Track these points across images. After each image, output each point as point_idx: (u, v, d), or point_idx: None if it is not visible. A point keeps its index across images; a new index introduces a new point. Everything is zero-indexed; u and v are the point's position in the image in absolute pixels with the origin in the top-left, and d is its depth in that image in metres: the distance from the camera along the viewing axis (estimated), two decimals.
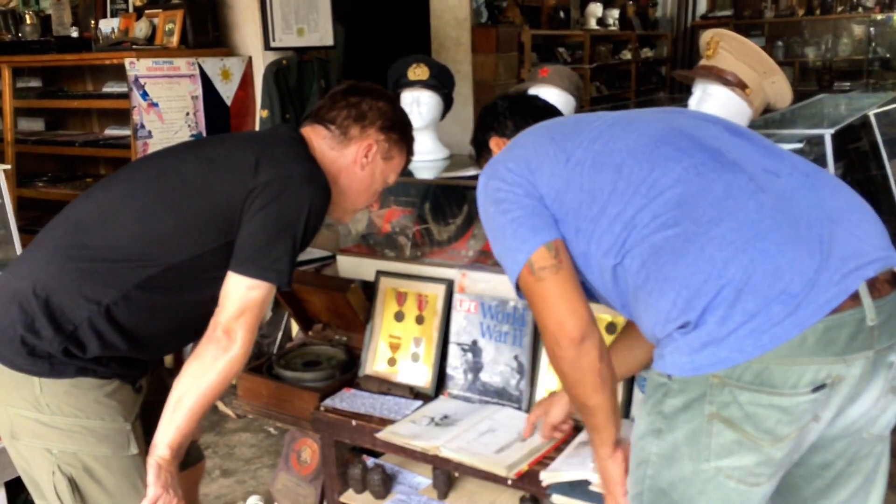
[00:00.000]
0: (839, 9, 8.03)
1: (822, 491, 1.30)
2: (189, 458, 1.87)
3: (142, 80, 3.62)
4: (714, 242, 1.17)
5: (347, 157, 1.69)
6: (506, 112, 1.75)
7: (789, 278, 1.12)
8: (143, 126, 3.64)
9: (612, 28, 7.83)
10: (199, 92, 3.84)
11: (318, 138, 1.69)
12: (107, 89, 4.17)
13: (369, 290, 2.29)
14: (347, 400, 2.10)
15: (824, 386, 1.13)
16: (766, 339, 1.11)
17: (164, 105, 3.71)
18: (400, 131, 1.74)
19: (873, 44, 8.00)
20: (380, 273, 2.27)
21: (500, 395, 2.03)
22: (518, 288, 1.40)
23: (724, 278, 1.15)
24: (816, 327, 1.11)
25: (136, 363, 1.60)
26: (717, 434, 1.17)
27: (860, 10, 7.98)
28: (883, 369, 1.17)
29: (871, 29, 8.01)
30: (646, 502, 1.30)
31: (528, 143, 1.45)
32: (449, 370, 2.11)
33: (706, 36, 2.21)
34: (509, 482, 1.75)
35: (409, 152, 1.80)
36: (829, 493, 1.30)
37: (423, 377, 2.14)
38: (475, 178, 2.26)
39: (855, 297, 1.12)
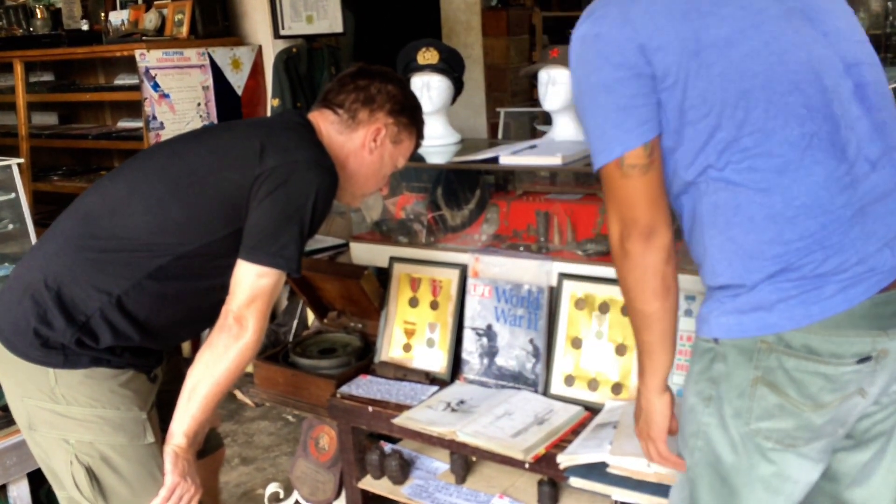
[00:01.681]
0: None
1: (847, 450, 1.33)
2: (209, 446, 1.89)
3: (152, 72, 3.62)
4: (796, 230, 1.17)
5: (356, 141, 1.67)
6: None
7: (853, 270, 1.17)
8: (154, 117, 3.65)
9: None
10: (210, 82, 3.83)
11: (326, 123, 1.68)
12: (118, 81, 4.17)
13: (383, 276, 2.29)
14: (363, 386, 2.10)
15: (869, 358, 1.17)
16: (815, 310, 1.16)
17: (176, 96, 3.71)
18: (409, 115, 1.73)
19: (891, 17, 7.87)
20: (393, 259, 2.26)
21: (516, 379, 2.02)
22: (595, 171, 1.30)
23: (794, 265, 1.17)
24: (864, 304, 1.16)
25: (150, 353, 1.60)
26: (760, 398, 1.21)
27: None
28: None
29: (889, 3, 7.87)
30: (698, 475, 1.30)
31: (653, 10, 1.22)
32: (464, 355, 2.10)
33: None
34: (526, 465, 1.75)
35: (419, 136, 1.78)
36: (854, 452, 1.34)
37: (438, 362, 2.14)
38: (487, 161, 2.26)
39: None
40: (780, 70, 1.20)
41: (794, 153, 1.18)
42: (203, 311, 1.61)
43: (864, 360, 1.17)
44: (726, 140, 1.19)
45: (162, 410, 1.62)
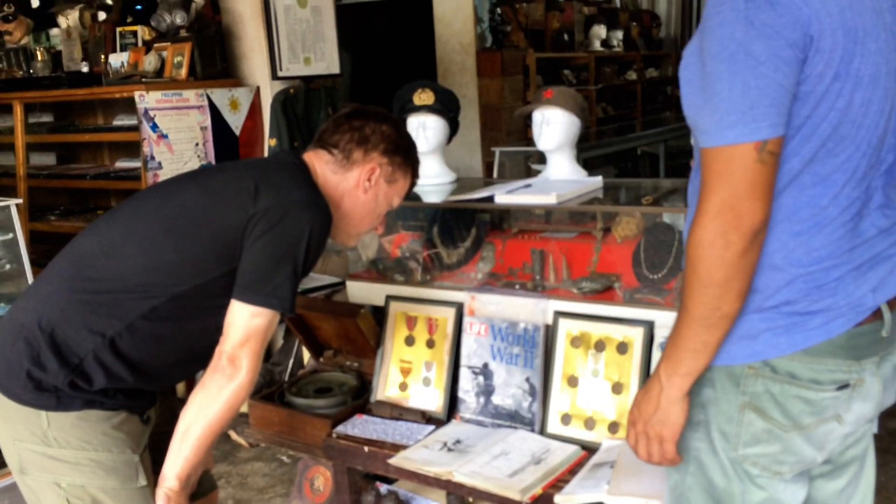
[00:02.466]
0: None
1: (825, 476, 1.37)
2: (202, 489, 1.86)
3: (151, 113, 3.66)
4: (806, 277, 1.19)
5: (350, 181, 1.69)
6: None
7: (839, 309, 1.20)
8: (153, 158, 3.68)
9: (617, 49, 7.87)
10: (208, 122, 3.88)
11: (321, 163, 1.69)
12: (117, 122, 4.21)
13: (379, 315, 2.29)
14: (359, 426, 2.09)
15: (847, 386, 1.22)
16: (798, 339, 1.20)
17: (174, 136, 3.75)
18: (404, 154, 1.74)
19: None
20: (389, 297, 2.27)
21: (513, 418, 2.01)
22: (697, 141, 1.17)
23: (789, 301, 1.19)
24: (842, 335, 1.20)
25: (144, 394, 1.60)
26: (747, 423, 1.23)
27: None
28: (885, 368, 1.28)
29: None
30: (691, 501, 1.31)
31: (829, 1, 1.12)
32: (460, 394, 2.10)
33: None
34: None
35: (413, 175, 1.79)
36: (831, 479, 1.38)
37: (434, 401, 2.13)
38: (483, 200, 2.28)
39: (877, 313, 1.22)
40: (873, 131, 1.18)
41: (835, 212, 1.18)
42: (197, 352, 1.60)
43: (843, 387, 1.22)
44: (793, 173, 1.16)
45: (155, 452, 1.61)
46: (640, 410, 1.29)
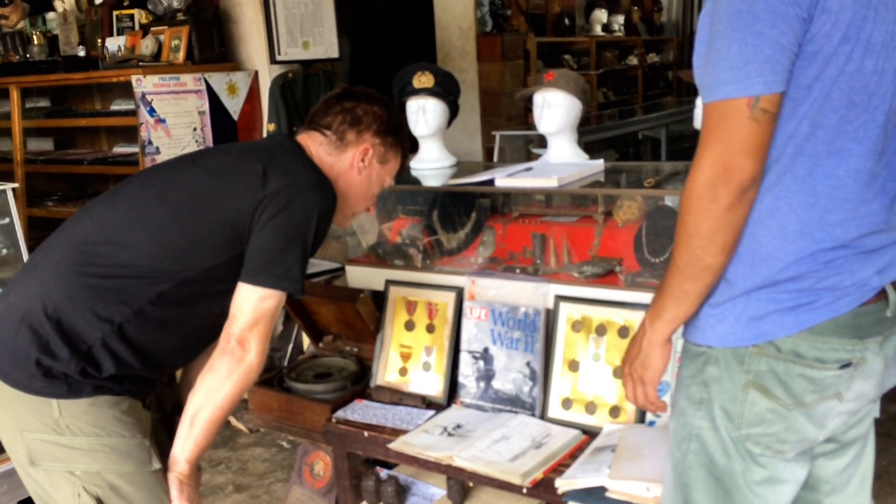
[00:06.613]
0: None
1: (827, 455, 1.37)
2: None
3: (149, 97, 3.63)
4: (817, 251, 1.19)
5: (344, 162, 1.70)
6: None
7: (845, 289, 1.20)
8: (150, 142, 3.65)
9: (618, 34, 7.82)
10: (206, 107, 3.85)
11: (315, 144, 1.70)
12: (114, 107, 4.19)
13: (379, 299, 2.28)
14: (359, 411, 2.08)
15: (850, 364, 1.22)
16: (804, 318, 1.20)
17: (172, 121, 3.72)
18: (395, 134, 1.76)
19: None
20: (389, 282, 2.25)
21: (513, 403, 2.00)
22: (700, 96, 1.20)
23: (796, 278, 1.19)
24: (846, 315, 1.20)
25: (147, 380, 1.59)
26: (751, 403, 1.23)
27: None
28: (888, 348, 1.27)
29: None
30: (692, 479, 1.31)
31: None
32: (461, 378, 2.09)
33: None
34: (524, 490, 1.73)
35: (404, 155, 1.81)
36: (834, 458, 1.38)
37: (434, 386, 2.12)
38: (483, 184, 2.26)
39: (882, 294, 1.22)
40: (889, 101, 1.18)
41: (856, 187, 1.18)
42: (200, 338, 1.61)
43: (846, 366, 1.22)
44: (804, 137, 1.16)
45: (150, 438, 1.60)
46: (627, 353, 1.37)
